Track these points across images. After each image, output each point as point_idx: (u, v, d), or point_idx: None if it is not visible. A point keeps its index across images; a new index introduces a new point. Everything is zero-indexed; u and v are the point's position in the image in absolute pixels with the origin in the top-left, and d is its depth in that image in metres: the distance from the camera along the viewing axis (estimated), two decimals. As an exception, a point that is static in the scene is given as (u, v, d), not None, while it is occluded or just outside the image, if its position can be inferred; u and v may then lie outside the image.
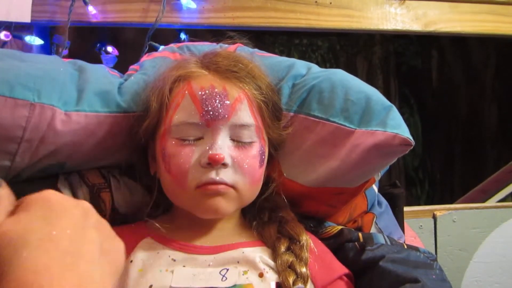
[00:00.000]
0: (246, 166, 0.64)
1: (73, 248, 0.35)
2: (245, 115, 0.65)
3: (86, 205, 0.40)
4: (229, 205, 0.64)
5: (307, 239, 0.68)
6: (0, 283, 0.32)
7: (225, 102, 0.64)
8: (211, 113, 0.63)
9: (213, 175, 0.62)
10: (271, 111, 0.70)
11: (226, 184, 0.63)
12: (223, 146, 0.63)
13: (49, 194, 0.38)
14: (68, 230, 0.36)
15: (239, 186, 0.64)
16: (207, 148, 0.62)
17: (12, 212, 0.37)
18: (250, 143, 0.65)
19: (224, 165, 0.62)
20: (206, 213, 0.65)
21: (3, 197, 0.38)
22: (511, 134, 3.37)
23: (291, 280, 0.62)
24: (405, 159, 3.52)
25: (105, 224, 0.40)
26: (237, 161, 0.64)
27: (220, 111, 0.63)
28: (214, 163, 0.61)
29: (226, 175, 0.63)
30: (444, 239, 1.17)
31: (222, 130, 0.64)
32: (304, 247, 0.66)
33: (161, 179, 0.68)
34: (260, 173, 0.67)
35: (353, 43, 3.66)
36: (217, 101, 0.64)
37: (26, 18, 1.07)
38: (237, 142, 0.65)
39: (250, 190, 0.67)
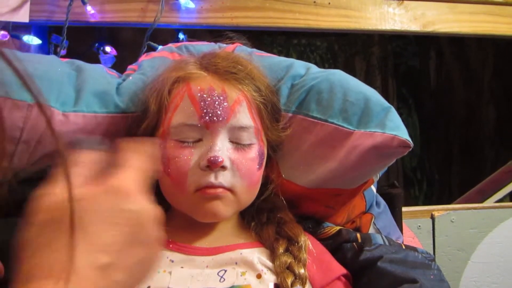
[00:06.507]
0: (245, 168, 0.64)
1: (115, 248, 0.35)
2: (244, 117, 0.65)
3: (156, 214, 0.40)
4: (227, 209, 0.64)
5: (306, 240, 0.68)
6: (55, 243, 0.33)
7: (224, 104, 0.64)
8: (210, 115, 0.63)
9: (212, 178, 0.62)
10: (270, 112, 0.69)
11: (224, 187, 0.63)
12: (222, 148, 0.63)
13: (130, 185, 0.37)
14: (112, 247, 0.36)
15: (237, 189, 0.64)
16: (206, 150, 0.62)
17: (96, 179, 0.37)
18: (249, 145, 0.65)
19: (223, 167, 0.62)
20: (205, 217, 0.65)
21: (83, 162, 0.38)
22: (509, 135, 3.38)
23: (289, 281, 0.62)
24: (403, 159, 3.52)
25: (155, 241, 0.40)
26: (236, 163, 0.63)
27: (219, 113, 0.63)
28: (213, 165, 0.61)
29: (224, 178, 0.62)
30: (442, 239, 1.18)
31: (221, 132, 0.63)
32: (303, 248, 0.66)
33: (159, 181, 0.67)
34: (258, 175, 0.67)
35: (352, 43, 3.66)
36: (216, 103, 0.63)
37: (24, 17, 1.07)
38: (236, 144, 0.65)
39: (248, 192, 0.66)
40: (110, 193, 0.37)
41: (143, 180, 0.39)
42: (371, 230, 0.80)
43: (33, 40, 1.13)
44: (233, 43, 0.80)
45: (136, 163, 0.40)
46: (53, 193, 0.36)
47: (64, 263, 0.33)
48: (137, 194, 0.38)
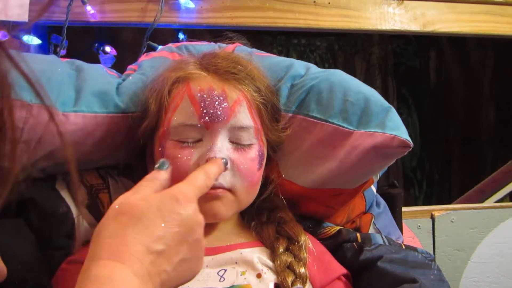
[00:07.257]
0: (245, 168, 0.64)
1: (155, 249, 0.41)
2: (244, 117, 0.65)
3: (200, 222, 0.46)
4: (227, 209, 0.64)
5: (306, 240, 0.68)
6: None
7: (224, 104, 0.64)
8: (210, 115, 0.63)
9: None
10: (270, 113, 0.69)
11: (224, 188, 0.63)
12: (222, 148, 0.63)
13: (182, 195, 0.45)
14: (164, 239, 0.42)
15: (237, 189, 0.64)
16: (206, 150, 0.62)
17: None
18: (249, 145, 0.65)
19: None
20: (205, 218, 0.64)
21: (160, 179, 0.48)
22: (509, 135, 3.38)
23: (290, 280, 0.62)
24: (403, 159, 3.51)
25: (199, 246, 0.46)
26: (236, 164, 0.63)
27: (219, 113, 0.63)
28: None
29: (224, 178, 0.62)
30: (442, 239, 1.18)
31: (221, 132, 0.63)
32: (303, 247, 0.66)
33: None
34: (258, 175, 0.67)
35: (352, 43, 3.66)
36: (216, 103, 0.63)
37: (23, 17, 1.07)
38: (236, 144, 0.65)
39: (248, 193, 0.66)
40: (166, 198, 0.44)
41: (195, 193, 0.47)
42: (371, 230, 0.80)
43: (32, 40, 1.13)
44: (233, 43, 0.80)
45: (191, 179, 0.49)
46: (122, 197, 0.44)
47: (123, 249, 0.40)
48: (186, 203, 0.45)
